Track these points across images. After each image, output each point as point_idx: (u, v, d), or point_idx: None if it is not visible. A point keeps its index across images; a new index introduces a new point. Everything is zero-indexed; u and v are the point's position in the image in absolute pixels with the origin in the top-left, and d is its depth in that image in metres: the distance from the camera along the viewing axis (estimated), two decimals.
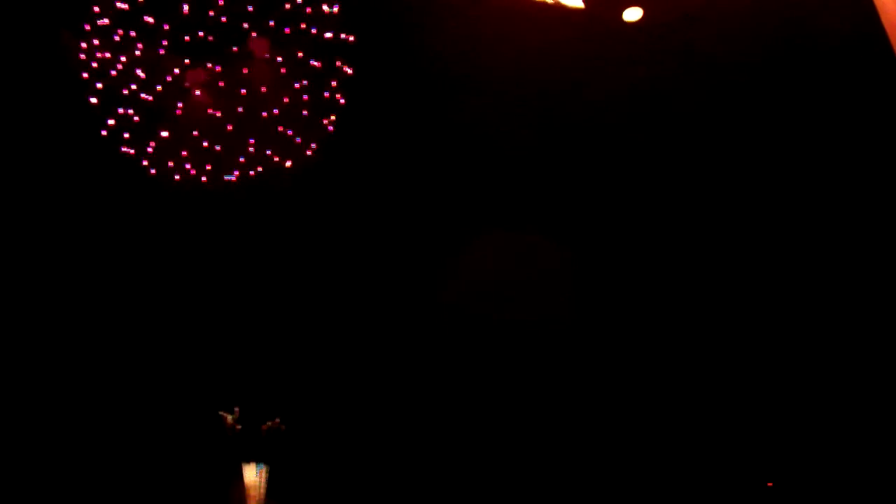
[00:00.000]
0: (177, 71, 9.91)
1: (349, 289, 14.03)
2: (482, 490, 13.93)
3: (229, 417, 13.69)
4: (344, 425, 14.33)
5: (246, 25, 9.77)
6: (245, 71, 9.96)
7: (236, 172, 10.50)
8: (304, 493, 13.79)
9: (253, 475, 13.51)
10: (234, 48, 9.82)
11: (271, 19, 9.90)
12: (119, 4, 9.54)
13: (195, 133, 10.24)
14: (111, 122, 10.16)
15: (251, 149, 10.40)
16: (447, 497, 13.94)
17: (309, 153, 10.75)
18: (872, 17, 5.26)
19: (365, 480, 14.00)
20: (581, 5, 8.42)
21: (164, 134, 10.20)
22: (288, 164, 10.68)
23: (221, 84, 9.96)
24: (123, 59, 9.77)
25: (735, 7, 9.62)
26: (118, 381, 13.40)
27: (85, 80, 9.99)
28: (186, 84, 9.96)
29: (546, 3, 8.92)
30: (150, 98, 10.07)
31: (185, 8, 9.53)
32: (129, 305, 13.51)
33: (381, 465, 14.12)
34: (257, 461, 13.45)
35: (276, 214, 12.89)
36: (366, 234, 13.58)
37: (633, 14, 9.19)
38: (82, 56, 9.89)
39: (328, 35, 10.17)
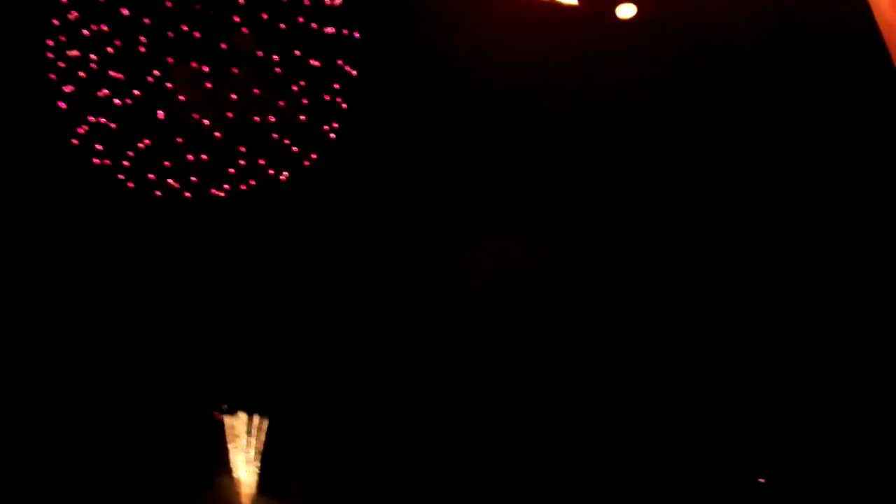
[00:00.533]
0: (157, 71, 8.96)
1: (350, 297, 13.83)
2: (480, 489, 13.93)
3: (220, 416, 14.04)
4: (340, 425, 14.36)
5: (237, 19, 8.84)
6: (235, 71, 9.05)
7: (226, 186, 9.61)
8: (298, 491, 14.02)
9: (246, 466, 13.85)
10: (223, 44, 8.90)
11: (265, 12, 8.95)
12: None
13: (179, 141, 9.32)
14: (82, 129, 9.19)
15: (242, 160, 9.51)
16: (442, 497, 13.96)
17: (307, 164, 9.89)
18: (868, 17, 5.20)
19: (359, 480, 14.05)
20: (575, 2, 7.94)
21: (143, 143, 9.28)
22: (283, 176, 9.81)
23: (208, 85, 9.02)
24: (94, 57, 8.78)
25: (729, 6, 9.70)
26: (110, 386, 13.34)
27: (52, 81, 8.98)
28: (168, 86, 9.03)
29: (540, 1, 8.59)
30: (128, 102, 9.09)
31: None
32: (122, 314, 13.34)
33: (376, 465, 14.15)
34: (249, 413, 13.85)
35: (270, 229, 12.47)
36: (368, 248, 13.28)
37: (626, 11, 8.82)
38: (49, 54, 8.92)
39: (329, 30, 9.29)
